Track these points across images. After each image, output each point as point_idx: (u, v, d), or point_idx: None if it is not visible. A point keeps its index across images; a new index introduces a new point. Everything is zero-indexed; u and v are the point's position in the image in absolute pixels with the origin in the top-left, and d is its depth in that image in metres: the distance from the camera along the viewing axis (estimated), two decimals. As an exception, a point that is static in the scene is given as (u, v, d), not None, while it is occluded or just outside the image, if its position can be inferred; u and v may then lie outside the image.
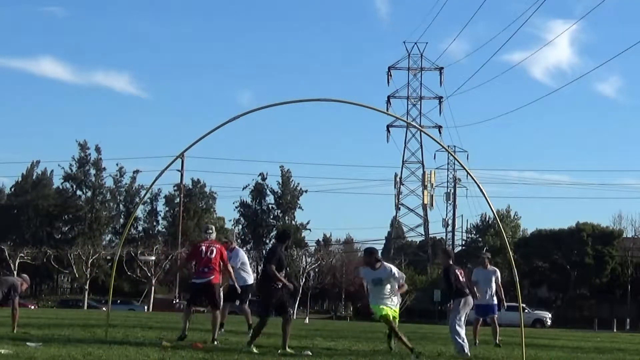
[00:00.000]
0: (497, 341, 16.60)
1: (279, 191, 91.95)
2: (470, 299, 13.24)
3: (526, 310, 58.04)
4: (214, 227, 14.15)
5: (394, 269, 12.63)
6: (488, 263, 17.00)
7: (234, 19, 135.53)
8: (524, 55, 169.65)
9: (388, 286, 12.54)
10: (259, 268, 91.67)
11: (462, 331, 12.89)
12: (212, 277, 13.17)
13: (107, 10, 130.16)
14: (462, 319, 13.07)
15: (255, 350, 11.94)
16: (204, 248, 13.31)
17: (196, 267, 13.37)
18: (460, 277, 13.21)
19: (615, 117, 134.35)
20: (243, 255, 17.27)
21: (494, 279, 16.73)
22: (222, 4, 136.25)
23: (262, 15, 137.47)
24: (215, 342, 12.98)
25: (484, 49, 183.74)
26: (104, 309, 59.30)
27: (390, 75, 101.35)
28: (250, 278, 17.01)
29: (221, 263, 13.40)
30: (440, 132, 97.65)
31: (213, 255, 13.21)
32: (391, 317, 12.73)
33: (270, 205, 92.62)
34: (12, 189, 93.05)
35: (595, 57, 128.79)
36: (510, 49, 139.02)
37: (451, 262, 13.39)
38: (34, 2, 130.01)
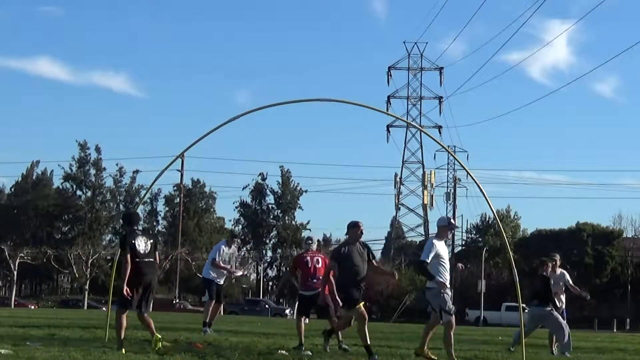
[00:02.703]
0: (554, 348, 15.13)
1: (279, 191, 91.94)
2: (534, 309, 14.35)
3: (526, 310, 58.03)
4: (315, 238, 14.10)
5: None
6: (557, 266, 15.44)
7: (231, 19, 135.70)
8: (522, 55, 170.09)
9: None
10: (259, 268, 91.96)
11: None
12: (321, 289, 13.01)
13: (104, 9, 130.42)
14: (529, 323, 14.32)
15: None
16: (308, 258, 13.17)
17: (303, 279, 13.16)
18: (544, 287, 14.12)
19: (614, 117, 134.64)
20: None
21: (562, 283, 15.40)
22: (220, 3, 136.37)
23: (260, 15, 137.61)
24: (344, 347, 13.05)
25: (481, 49, 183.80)
26: (104, 309, 59.27)
27: (390, 75, 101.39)
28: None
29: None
30: (440, 132, 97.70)
31: (320, 265, 13.09)
32: None
33: (270, 205, 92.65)
34: (12, 189, 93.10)
35: (593, 57, 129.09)
36: (508, 49, 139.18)
37: (549, 271, 14.52)
38: (30, 2, 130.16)
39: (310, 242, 13.63)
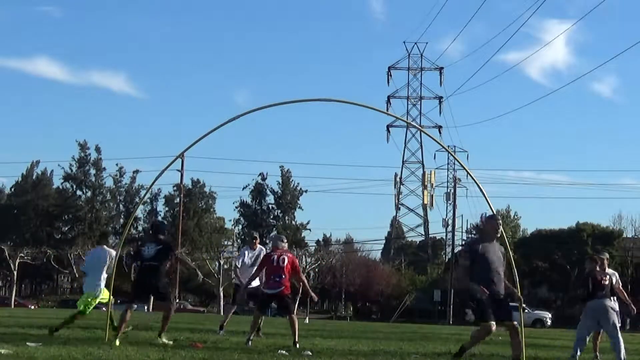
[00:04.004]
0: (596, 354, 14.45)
1: (279, 191, 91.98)
2: (595, 302, 12.76)
3: (526, 310, 58.06)
4: (285, 238, 14.25)
5: None
6: (606, 265, 14.02)
7: (230, 19, 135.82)
8: (520, 55, 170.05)
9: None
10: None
11: (580, 337, 12.75)
12: (283, 288, 13.24)
13: (103, 9, 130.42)
14: (585, 324, 12.86)
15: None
16: (275, 257, 13.32)
17: (267, 276, 13.40)
18: (603, 282, 12.81)
19: (613, 117, 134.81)
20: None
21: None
22: (220, 3, 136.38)
23: (259, 15, 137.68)
24: (297, 345, 13.03)
25: (480, 49, 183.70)
26: (104, 309, 59.24)
27: (390, 75, 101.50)
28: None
29: (292, 272, 13.51)
30: (440, 132, 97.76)
31: (284, 264, 13.26)
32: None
33: (270, 205, 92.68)
34: (12, 189, 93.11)
35: (591, 57, 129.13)
36: (507, 50, 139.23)
37: (598, 268, 13.06)
38: (29, 1, 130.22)
39: (284, 242, 13.72)
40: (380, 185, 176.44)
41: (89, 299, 13.77)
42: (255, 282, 15.93)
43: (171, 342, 12.73)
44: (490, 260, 9.87)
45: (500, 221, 10.29)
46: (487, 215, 10.61)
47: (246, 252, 16.49)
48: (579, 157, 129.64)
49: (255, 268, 14.82)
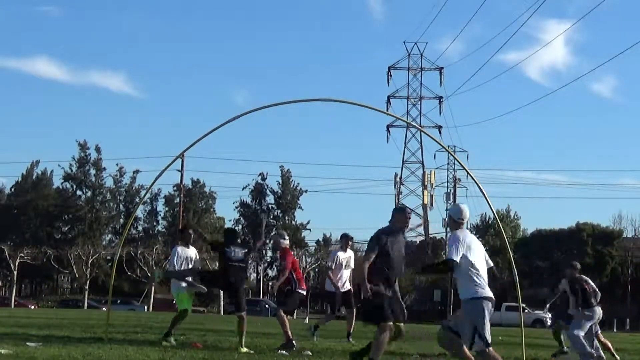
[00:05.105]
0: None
1: (279, 191, 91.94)
2: (595, 310, 13.40)
3: (526, 310, 58.06)
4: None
5: None
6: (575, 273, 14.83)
7: (230, 19, 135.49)
8: (519, 55, 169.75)
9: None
10: (259, 268, 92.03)
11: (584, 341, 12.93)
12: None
13: (102, 9, 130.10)
14: (585, 329, 13.09)
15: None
16: (295, 258, 13.72)
17: (297, 277, 13.46)
18: (588, 288, 13.61)
19: (613, 116, 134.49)
20: None
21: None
22: (219, 3, 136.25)
23: (259, 15, 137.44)
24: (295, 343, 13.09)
25: (478, 49, 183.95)
26: (104, 309, 59.27)
27: (390, 75, 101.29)
28: None
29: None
30: (440, 132, 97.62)
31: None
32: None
33: (270, 205, 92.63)
34: (12, 189, 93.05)
35: (591, 57, 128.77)
36: (505, 50, 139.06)
37: (577, 274, 13.86)
38: (29, 1, 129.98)
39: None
40: (380, 185, 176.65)
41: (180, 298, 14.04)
42: (347, 286, 15.52)
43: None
44: (392, 257, 9.50)
45: (410, 216, 9.89)
46: (397, 207, 10.15)
47: (339, 254, 15.47)
48: (579, 157, 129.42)
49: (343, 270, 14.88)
